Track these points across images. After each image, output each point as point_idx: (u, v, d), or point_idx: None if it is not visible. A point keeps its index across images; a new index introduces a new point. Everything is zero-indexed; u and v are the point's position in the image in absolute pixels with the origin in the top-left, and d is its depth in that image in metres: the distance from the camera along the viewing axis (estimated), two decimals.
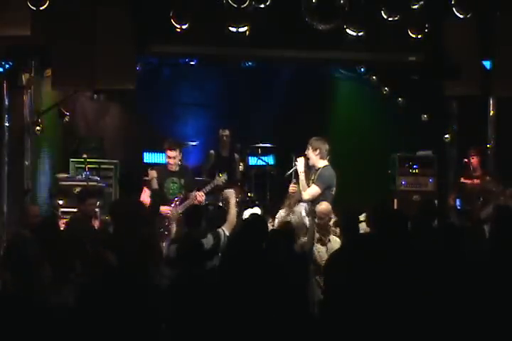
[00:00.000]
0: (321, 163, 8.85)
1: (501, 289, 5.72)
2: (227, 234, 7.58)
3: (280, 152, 11.69)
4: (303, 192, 8.61)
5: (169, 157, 9.47)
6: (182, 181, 9.48)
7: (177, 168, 9.50)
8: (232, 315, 5.77)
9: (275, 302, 5.88)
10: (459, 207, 10.24)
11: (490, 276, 5.80)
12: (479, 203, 9.71)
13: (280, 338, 5.73)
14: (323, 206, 8.15)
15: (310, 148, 8.85)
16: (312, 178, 8.80)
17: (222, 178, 9.73)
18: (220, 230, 7.61)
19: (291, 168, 9.08)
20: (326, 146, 8.91)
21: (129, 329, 5.14)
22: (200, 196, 9.33)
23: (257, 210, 9.04)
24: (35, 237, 6.29)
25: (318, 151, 8.83)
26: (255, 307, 5.81)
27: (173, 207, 9.27)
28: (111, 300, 5.15)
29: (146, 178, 9.27)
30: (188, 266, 6.12)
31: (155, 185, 9.24)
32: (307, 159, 8.79)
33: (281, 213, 8.82)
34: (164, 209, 9.19)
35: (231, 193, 8.38)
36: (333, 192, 8.69)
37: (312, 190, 8.53)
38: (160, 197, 9.10)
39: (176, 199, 9.33)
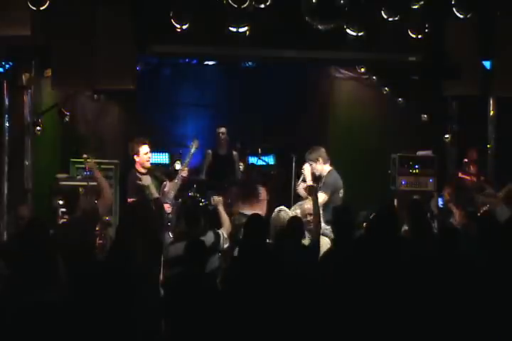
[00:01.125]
0: (326, 169, 8.91)
1: (496, 291, 5.73)
2: (226, 236, 7.62)
3: (280, 152, 11.69)
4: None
5: (146, 152, 9.23)
6: (156, 176, 9.29)
7: (149, 166, 9.33)
8: (238, 315, 5.79)
9: (283, 301, 5.90)
10: (441, 206, 10.20)
11: (485, 278, 5.82)
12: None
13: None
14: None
15: (311, 163, 8.88)
16: (319, 186, 8.84)
17: (195, 144, 9.60)
18: (219, 231, 7.66)
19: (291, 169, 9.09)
20: (322, 150, 8.98)
21: (126, 328, 5.14)
22: (184, 172, 9.28)
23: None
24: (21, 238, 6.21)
25: (320, 160, 8.89)
26: (264, 307, 5.82)
27: (163, 196, 9.16)
28: (107, 299, 5.14)
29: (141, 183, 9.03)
30: (191, 265, 6.12)
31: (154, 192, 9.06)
32: (313, 172, 8.83)
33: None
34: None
35: (219, 201, 8.32)
36: (341, 195, 8.84)
37: (320, 199, 8.53)
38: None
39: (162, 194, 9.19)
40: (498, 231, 6.33)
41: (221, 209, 8.16)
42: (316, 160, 8.93)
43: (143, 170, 9.28)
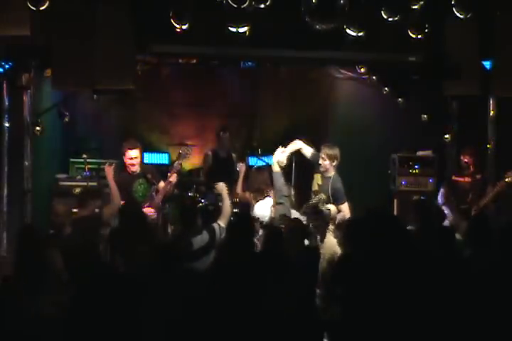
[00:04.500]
0: (332, 172, 8.82)
1: (499, 293, 5.73)
2: (223, 226, 7.58)
3: None
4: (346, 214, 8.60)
5: (131, 158, 9.24)
6: (147, 178, 9.29)
7: (139, 169, 9.31)
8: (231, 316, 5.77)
9: (283, 303, 5.89)
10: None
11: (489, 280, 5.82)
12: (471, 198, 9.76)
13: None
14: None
15: (326, 158, 8.75)
16: (320, 183, 8.79)
17: (183, 154, 9.42)
18: (214, 225, 7.61)
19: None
20: (339, 154, 8.89)
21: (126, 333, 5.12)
22: (172, 177, 9.15)
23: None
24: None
25: (335, 162, 8.79)
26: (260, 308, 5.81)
27: (151, 200, 9.14)
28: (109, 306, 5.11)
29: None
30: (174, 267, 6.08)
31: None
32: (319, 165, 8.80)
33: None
34: (147, 210, 8.96)
35: (222, 186, 8.27)
36: None
37: (346, 209, 8.63)
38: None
39: (149, 197, 9.20)
40: (487, 231, 6.34)
41: (225, 195, 8.10)
42: (332, 159, 8.80)
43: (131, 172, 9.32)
